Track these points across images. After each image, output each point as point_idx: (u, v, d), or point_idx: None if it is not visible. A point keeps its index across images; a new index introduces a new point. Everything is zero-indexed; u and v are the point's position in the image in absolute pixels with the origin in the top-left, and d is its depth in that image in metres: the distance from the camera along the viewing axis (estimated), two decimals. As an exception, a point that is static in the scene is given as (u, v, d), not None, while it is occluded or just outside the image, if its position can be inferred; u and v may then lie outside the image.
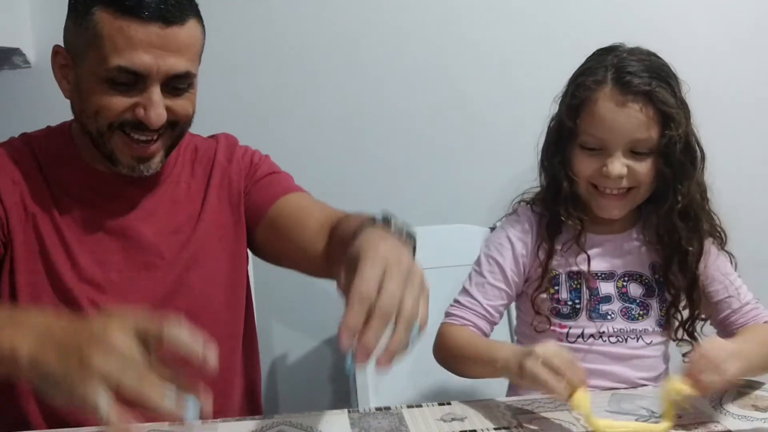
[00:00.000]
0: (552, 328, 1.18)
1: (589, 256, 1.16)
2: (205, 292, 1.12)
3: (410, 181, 1.78)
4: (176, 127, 1.06)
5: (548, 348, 0.95)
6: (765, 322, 1.14)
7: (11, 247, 1.04)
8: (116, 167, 1.06)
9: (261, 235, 1.18)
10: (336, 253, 0.96)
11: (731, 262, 1.19)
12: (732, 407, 1.00)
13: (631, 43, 1.16)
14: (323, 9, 1.72)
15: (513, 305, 1.36)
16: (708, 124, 1.18)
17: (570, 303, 1.17)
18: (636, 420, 0.96)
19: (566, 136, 1.14)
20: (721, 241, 1.19)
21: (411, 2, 1.73)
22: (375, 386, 1.46)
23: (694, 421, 0.96)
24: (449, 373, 1.19)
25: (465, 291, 1.21)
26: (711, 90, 1.63)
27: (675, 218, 1.13)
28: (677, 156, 1.10)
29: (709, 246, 1.17)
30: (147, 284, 1.09)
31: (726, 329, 1.17)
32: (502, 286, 1.19)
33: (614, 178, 1.10)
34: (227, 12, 1.68)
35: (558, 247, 1.17)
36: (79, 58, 1.01)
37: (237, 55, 1.71)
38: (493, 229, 1.40)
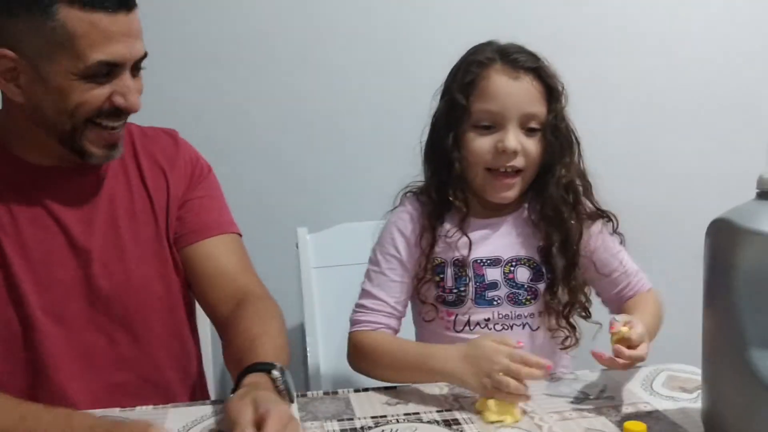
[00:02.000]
0: (440, 316, 1.19)
1: (471, 241, 1.17)
2: (140, 287, 1.12)
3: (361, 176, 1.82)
4: None
5: (495, 350, 0.97)
6: (648, 290, 1.23)
7: None
8: (88, 159, 1.06)
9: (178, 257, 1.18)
10: (230, 363, 1.03)
11: (621, 242, 1.24)
12: (661, 389, 1.05)
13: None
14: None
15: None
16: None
17: (456, 291, 1.17)
18: (571, 402, 1.01)
19: (458, 118, 1.15)
20: (609, 221, 1.22)
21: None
22: (327, 372, 1.50)
23: (625, 401, 1.01)
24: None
25: (368, 293, 1.19)
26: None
27: (561, 191, 1.16)
28: (563, 130, 1.15)
29: (598, 228, 1.21)
30: (81, 280, 1.09)
31: (618, 302, 1.23)
32: (405, 279, 1.19)
33: (510, 152, 1.12)
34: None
35: (441, 234, 1.18)
36: (43, 59, 0.97)
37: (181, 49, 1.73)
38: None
